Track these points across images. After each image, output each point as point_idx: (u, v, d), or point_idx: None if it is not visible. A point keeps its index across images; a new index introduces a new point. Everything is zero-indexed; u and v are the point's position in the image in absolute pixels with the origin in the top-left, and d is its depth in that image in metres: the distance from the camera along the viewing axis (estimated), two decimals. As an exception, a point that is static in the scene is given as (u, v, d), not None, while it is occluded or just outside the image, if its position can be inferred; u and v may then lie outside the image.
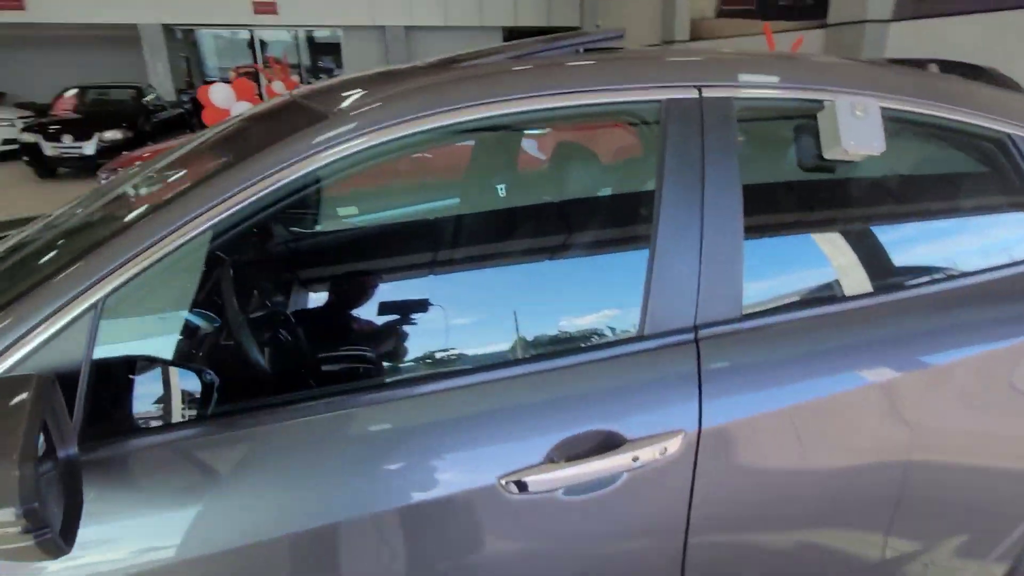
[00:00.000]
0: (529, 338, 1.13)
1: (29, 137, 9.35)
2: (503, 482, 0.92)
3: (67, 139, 9.27)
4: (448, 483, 0.92)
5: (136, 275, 0.85)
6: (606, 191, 1.60)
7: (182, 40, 17.16)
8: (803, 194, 1.29)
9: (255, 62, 16.67)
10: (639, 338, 1.02)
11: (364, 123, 0.96)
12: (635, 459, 0.95)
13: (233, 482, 0.87)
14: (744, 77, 1.10)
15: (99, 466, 0.84)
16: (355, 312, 1.23)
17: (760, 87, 1.10)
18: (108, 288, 0.83)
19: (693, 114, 1.05)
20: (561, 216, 1.46)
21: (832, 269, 1.20)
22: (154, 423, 0.93)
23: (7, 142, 10.04)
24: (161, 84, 14.33)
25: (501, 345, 1.15)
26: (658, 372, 1.00)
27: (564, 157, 1.58)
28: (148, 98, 11.31)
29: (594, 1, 16.84)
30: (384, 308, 1.19)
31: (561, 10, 17.23)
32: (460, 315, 1.19)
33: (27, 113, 11.32)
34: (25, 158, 9.43)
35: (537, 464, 0.93)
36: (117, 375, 0.91)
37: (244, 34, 17.33)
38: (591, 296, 1.16)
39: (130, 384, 0.92)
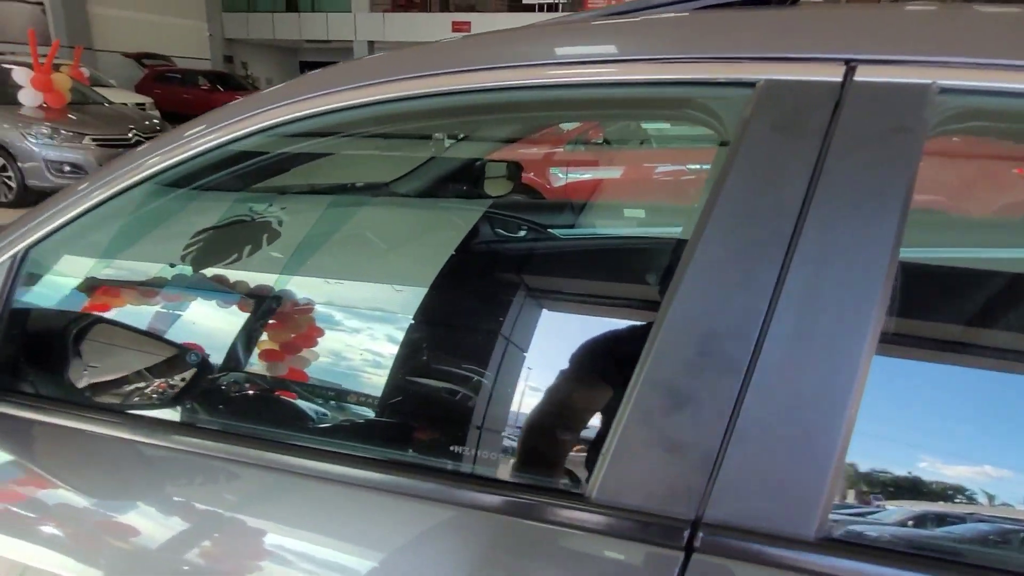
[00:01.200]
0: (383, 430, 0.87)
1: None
2: None
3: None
4: None
5: (59, 228, 0.78)
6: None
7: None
8: None
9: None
10: (579, 498, 0.57)
11: (271, 100, 0.75)
12: None
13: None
14: (966, 46, 0.54)
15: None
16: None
17: (997, 67, 0.53)
18: (28, 240, 0.80)
19: (819, 110, 0.55)
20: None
21: None
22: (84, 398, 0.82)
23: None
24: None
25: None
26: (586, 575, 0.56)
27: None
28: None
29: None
30: None
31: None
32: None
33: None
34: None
35: None
36: (54, 335, 0.83)
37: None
38: (517, 399, 0.80)
39: (69, 347, 0.82)
